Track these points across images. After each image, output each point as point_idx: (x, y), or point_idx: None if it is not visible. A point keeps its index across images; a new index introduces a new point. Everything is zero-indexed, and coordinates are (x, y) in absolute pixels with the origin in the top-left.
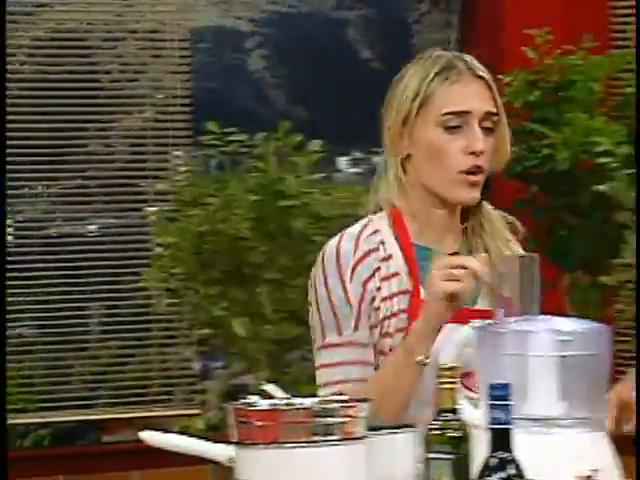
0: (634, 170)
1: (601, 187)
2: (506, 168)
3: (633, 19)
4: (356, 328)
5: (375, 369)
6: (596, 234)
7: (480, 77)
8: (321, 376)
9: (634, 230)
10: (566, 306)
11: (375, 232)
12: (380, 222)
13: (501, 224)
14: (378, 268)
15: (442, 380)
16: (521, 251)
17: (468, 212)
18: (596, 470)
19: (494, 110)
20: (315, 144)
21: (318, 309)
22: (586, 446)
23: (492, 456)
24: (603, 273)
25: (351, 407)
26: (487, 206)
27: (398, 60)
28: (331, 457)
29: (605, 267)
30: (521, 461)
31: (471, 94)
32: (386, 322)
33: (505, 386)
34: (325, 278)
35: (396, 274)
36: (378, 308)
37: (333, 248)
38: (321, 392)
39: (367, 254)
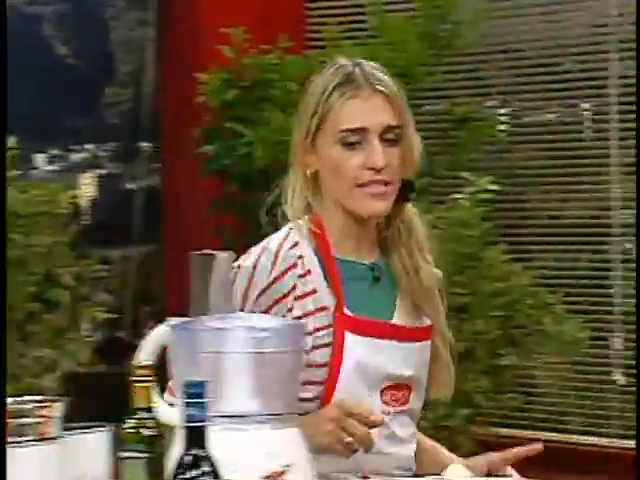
0: None
1: None
2: (204, 167)
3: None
4: None
5: None
6: None
7: (379, 91)
8: None
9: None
10: None
11: (294, 245)
12: (299, 233)
13: (423, 232)
14: (294, 287)
15: (136, 378)
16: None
17: (389, 221)
18: (289, 466)
19: (394, 123)
20: (11, 141)
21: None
22: (279, 442)
23: (186, 453)
24: None
25: (45, 407)
26: (410, 214)
27: (95, 56)
28: (25, 458)
29: None
30: (216, 458)
31: (368, 109)
32: (319, 336)
33: (200, 383)
34: (236, 292)
35: (313, 292)
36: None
37: (250, 265)
38: None
39: (284, 273)
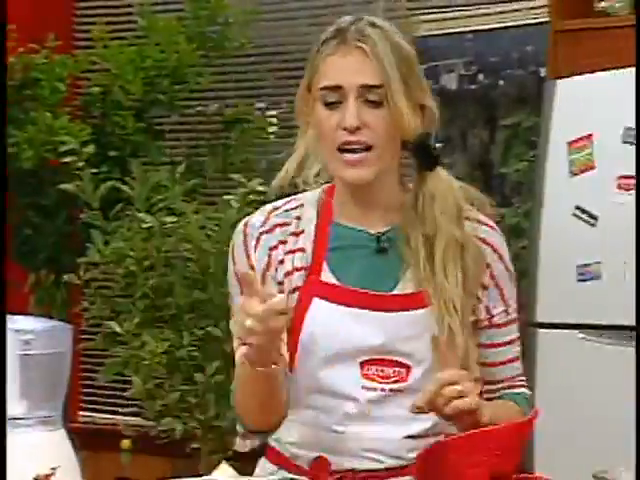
0: (98, 170)
1: (66, 186)
2: None
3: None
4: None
5: None
6: (61, 233)
7: (359, 47)
8: (235, 345)
9: None
10: (31, 305)
11: (297, 207)
12: (310, 197)
13: (451, 198)
14: (285, 241)
15: None
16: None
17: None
18: (55, 468)
19: (373, 82)
20: None
21: (229, 282)
22: (46, 444)
23: None
24: (68, 272)
25: None
26: (435, 183)
27: None
28: None
29: (71, 266)
30: None
31: (345, 67)
32: (291, 298)
33: None
34: (232, 249)
35: (301, 249)
36: (282, 282)
37: (243, 221)
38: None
39: (274, 228)
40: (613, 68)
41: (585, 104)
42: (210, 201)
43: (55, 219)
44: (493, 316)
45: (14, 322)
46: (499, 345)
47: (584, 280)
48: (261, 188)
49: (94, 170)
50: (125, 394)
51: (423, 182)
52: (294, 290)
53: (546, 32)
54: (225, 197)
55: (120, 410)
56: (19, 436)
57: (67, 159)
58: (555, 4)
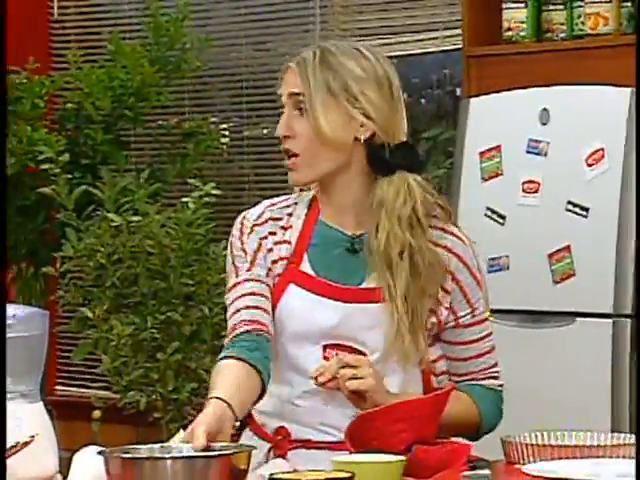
0: (72, 175)
1: (44, 190)
2: None
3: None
4: (252, 267)
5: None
6: (40, 231)
7: (290, 67)
8: (229, 315)
9: None
10: (13, 294)
11: (291, 205)
12: (304, 196)
13: (400, 203)
14: (274, 233)
15: None
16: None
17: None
18: (34, 435)
19: (295, 90)
20: None
21: (227, 266)
22: (25, 415)
23: None
24: (46, 264)
25: None
26: (385, 184)
27: None
28: None
29: (48, 259)
30: None
31: (284, 80)
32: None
33: None
34: (230, 238)
35: (287, 242)
36: (270, 269)
37: (242, 215)
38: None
39: (266, 221)
40: (518, 88)
41: (494, 119)
42: (170, 203)
43: (34, 218)
44: (458, 317)
45: None
46: (465, 343)
47: (495, 271)
48: (214, 192)
49: (69, 176)
50: (95, 371)
51: (373, 187)
52: (277, 276)
53: (460, 57)
54: (183, 199)
55: (91, 385)
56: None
57: (45, 166)
58: (468, 33)
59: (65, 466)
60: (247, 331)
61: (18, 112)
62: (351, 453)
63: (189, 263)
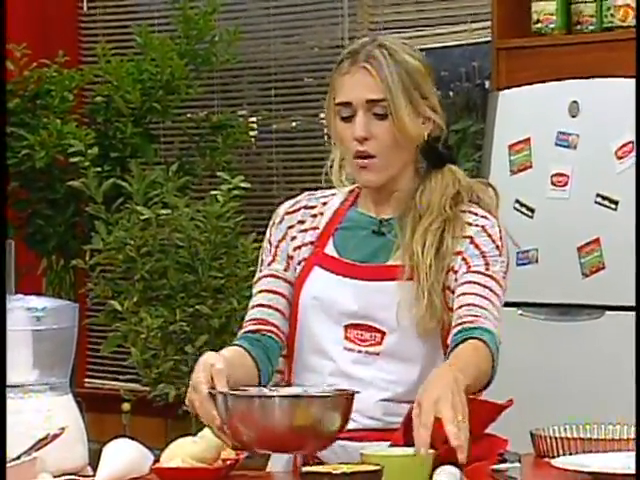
0: (101, 169)
1: (74, 183)
2: None
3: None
4: (272, 262)
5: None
6: (69, 224)
7: (363, 67)
8: (248, 308)
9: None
10: (43, 287)
11: (329, 195)
12: (345, 189)
13: (450, 188)
14: (303, 221)
15: None
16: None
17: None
18: (64, 427)
19: (376, 97)
20: None
21: (254, 260)
22: (55, 407)
23: None
24: (76, 257)
25: None
26: (439, 174)
27: None
28: None
29: (78, 252)
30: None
31: (353, 85)
32: (297, 268)
33: None
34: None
35: (315, 228)
36: (291, 257)
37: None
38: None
39: (299, 208)
40: (547, 81)
41: (523, 112)
42: (199, 196)
43: (64, 211)
44: (470, 266)
45: (28, 301)
46: (468, 283)
47: (523, 264)
48: (243, 185)
49: (98, 169)
50: (125, 363)
51: (428, 178)
52: (301, 262)
53: (489, 50)
54: (212, 192)
55: (120, 377)
56: (31, 400)
57: (74, 159)
58: (497, 25)
59: (95, 458)
60: (254, 331)
61: (48, 105)
62: (402, 445)
63: (218, 256)
